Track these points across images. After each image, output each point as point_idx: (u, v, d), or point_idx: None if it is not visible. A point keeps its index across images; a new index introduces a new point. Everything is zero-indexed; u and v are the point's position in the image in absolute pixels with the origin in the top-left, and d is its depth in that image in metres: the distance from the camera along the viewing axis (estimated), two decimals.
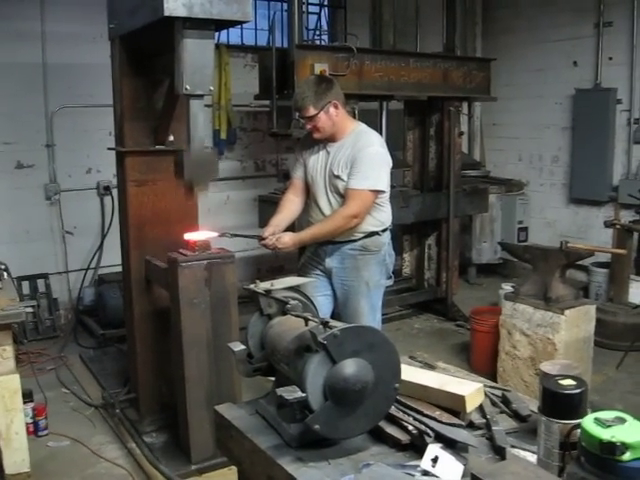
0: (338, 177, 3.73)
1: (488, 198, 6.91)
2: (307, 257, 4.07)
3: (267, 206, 5.63)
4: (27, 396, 4.05)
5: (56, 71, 5.98)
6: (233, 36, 7.24)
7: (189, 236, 3.53)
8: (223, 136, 6.87)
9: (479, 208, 6.86)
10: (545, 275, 4.54)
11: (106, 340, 5.74)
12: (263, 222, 5.71)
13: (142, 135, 4.04)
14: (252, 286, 1.89)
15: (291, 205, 4.00)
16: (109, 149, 4.28)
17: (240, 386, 3.77)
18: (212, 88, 3.45)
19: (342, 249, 3.86)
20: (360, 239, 3.83)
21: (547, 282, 4.51)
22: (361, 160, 3.66)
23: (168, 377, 4.01)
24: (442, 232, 6.47)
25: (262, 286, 1.84)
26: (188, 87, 3.32)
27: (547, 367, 1.72)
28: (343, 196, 3.76)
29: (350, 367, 1.47)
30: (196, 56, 3.31)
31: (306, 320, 1.58)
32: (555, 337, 4.42)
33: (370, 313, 3.88)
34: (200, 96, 3.40)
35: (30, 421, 4.12)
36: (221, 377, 3.68)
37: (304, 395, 1.44)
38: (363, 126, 3.89)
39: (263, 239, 3.73)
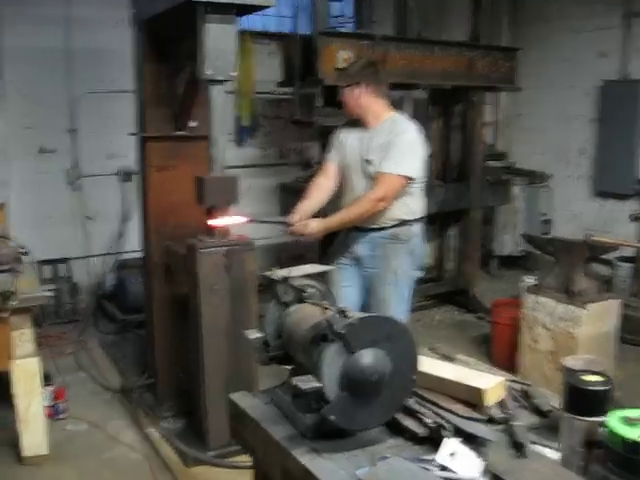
0: (370, 162, 3.74)
1: (511, 189, 6.83)
2: (336, 245, 4.06)
3: (289, 194, 5.61)
4: (46, 379, 4.07)
5: (80, 56, 5.97)
6: (257, 23, 7.19)
7: (218, 221, 3.49)
8: (246, 123, 6.85)
9: (501, 199, 6.79)
10: (568, 268, 4.48)
11: (126, 325, 5.75)
12: (285, 210, 5.70)
13: (163, 121, 4.03)
14: (269, 273, 1.86)
15: (320, 191, 3.98)
16: (130, 134, 4.27)
17: (258, 374, 3.75)
18: (234, 74, 3.43)
19: (372, 237, 3.85)
20: (390, 227, 3.81)
21: (570, 275, 4.45)
22: (394, 146, 3.66)
23: (186, 364, 4.00)
24: (464, 223, 6.40)
25: (279, 273, 1.81)
26: (210, 72, 3.31)
27: (570, 362, 1.68)
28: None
29: (367, 357, 1.43)
30: (218, 41, 3.29)
31: (323, 308, 1.55)
32: (576, 331, 4.36)
33: (398, 304, 3.85)
34: (221, 81, 3.38)
35: (49, 404, 4.13)
36: (239, 365, 3.66)
37: (320, 385, 1.41)
38: (400, 115, 3.92)
39: (290, 225, 3.73)
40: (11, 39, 5.67)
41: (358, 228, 3.85)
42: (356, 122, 3.92)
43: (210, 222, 3.49)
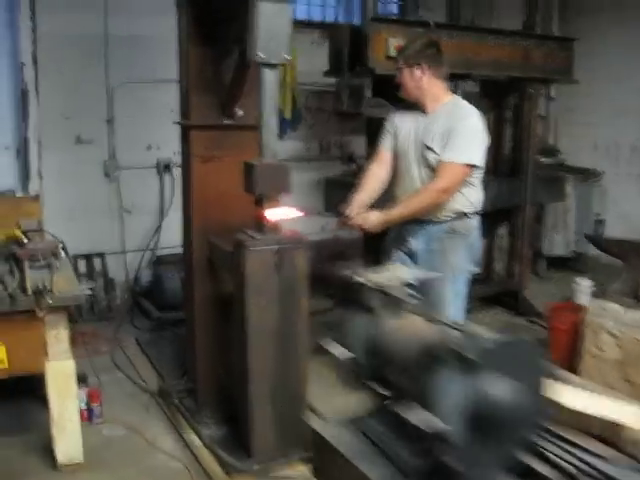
0: (430, 149, 3.53)
1: (565, 187, 6.50)
2: (391, 238, 3.87)
3: (334, 189, 5.37)
4: (81, 380, 3.86)
5: (118, 43, 5.76)
6: (300, 12, 6.95)
7: (274, 214, 3.24)
8: (287, 115, 6.57)
9: (555, 197, 6.47)
10: (638, 272, 4.17)
11: (162, 323, 5.54)
12: (329, 206, 5.45)
13: (209, 108, 3.78)
14: (355, 277, 1.57)
15: (375, 181, 3.80)
16: (175, 123, 4.02)
17: (307, 381, 3.50)
18: (288, 57, 3.17)
19: (429, 230, 3.66)
20: (449, 220, 3.61)
21: None
22: (457, 132, 3.45)
23: (229, 367, 3.76)
24: (515, 221, 6.07)
25: (370, 277, 1.53)
26: (262, 55, 3.05)
27: None
28: (434, 170, 3.55)
29: (500, 389, 1.16)
30: (272, 21, 3.05)
31: (433, 322, 1.28)
32: None
33: (454, 300, 3.65)
34: (274, 65, 3.13)
35: (84, 407, 3.92)
36: (287, 370, 3.42)
37: (444, 426, 1.13)
38: (460, 99, 3.72)
39: (347, 218, 3.57)
40: (47, 25, 5.47)
41: (415, 221, 3.65)
42: (411, 106, 3.71)
43: (266, 215, 3.23)
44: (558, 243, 7.28)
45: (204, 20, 3.68)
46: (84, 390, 3.96)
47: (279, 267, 3.27)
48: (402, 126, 3.73)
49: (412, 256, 3.75)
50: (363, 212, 3.60)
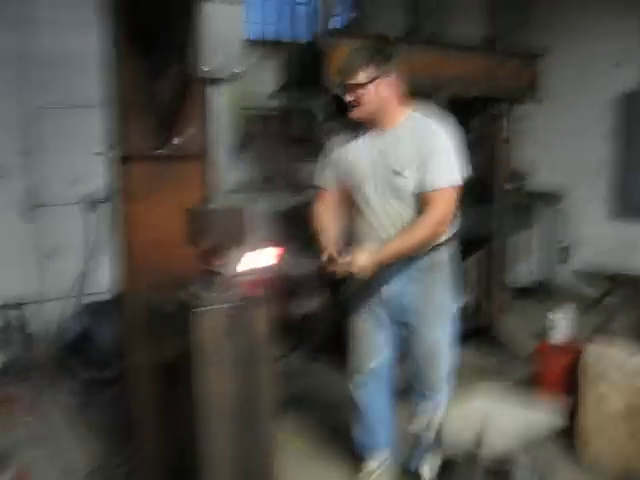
0: (399, 174, 2.97)
1: (532, 214, 6.09)
2: (357, 285, 3.24)
3: (288, 222, 4.84)
4: (2, 461, 3.13)
5: (33, 64, 5.10)
6: None
7: (248, 261, 2.60)
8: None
9: (523, 225, 6.05)
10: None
11: (93, 384, 4.81)
12: (287, 240, 4.88)
13: (143, 135, 3.12)
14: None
15: (331, 220, 3.22)
16: (98, 154, 3.37)
17: (274, 462, 2.84)
18: (238, 71, 2.55)
19: (403, 270, 3.10)
20: (427, 254, 3.07)
21: None
22: (434, 152, 2.93)
23: (176, 441, 3.09)
24: (484, 253, 5.59)
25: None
26: (208, 69, 2.45)
27: None
28: (404, 199, 3.01)
29: None
30: (220, 26, 2.45)
31: None
32: None
33: (448, 349, 3.19)
34: (223, 81, 2.51)
35: None
36: (251, 452, 2.77)
37: None
38: (419, 109, 3.10)
39: (329, 263, 3.01)
40: None
41: None
42: (356, 127, 3.13)
43: (239, 268, 2.61)
44: (522, 273, 6.84)
45: (137, 26, 3.03)
46: (8, 475, 3.23)
47: (233, 332, 2.63)
48: (348, 153, 3.17)
49: (385, 304, 3.20)
50: (346, 254, 2.99)
